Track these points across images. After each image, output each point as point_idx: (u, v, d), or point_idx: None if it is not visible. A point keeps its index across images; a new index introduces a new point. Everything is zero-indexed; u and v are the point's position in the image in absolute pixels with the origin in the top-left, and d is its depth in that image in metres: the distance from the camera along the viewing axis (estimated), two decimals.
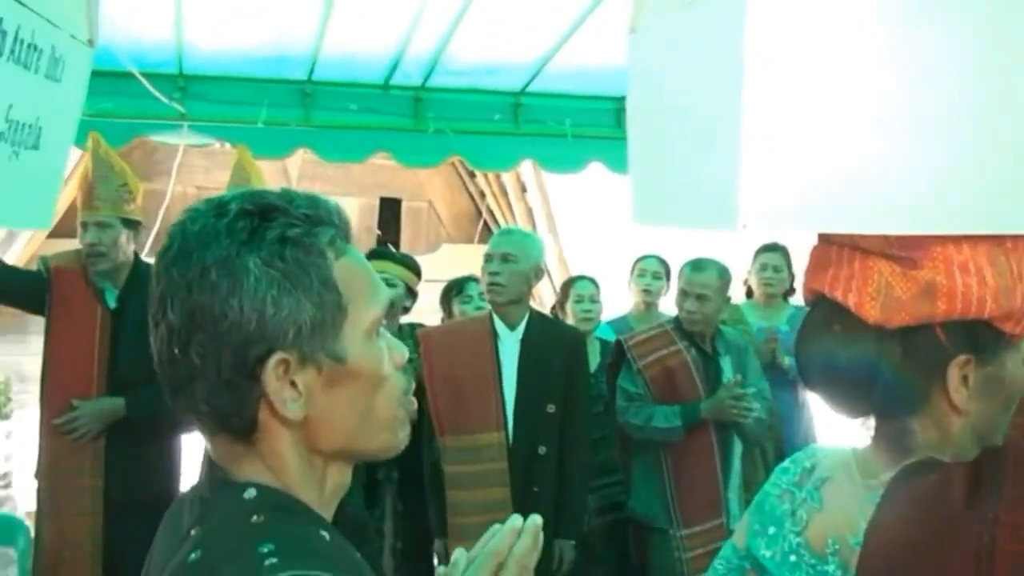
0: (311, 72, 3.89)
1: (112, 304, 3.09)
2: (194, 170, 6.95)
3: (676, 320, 3.37)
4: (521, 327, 3.06)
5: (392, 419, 0.89)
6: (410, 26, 3.52)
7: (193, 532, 0.81)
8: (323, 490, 0.87)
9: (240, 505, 0.81)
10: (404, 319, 3.58)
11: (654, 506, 3.25)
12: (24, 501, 5.30)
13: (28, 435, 3.96)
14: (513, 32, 3.64)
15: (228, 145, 3.99)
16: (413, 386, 0.93)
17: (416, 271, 3.58)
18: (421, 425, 2.96)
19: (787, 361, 3.80)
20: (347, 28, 3.52)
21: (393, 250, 4.21)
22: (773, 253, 4.16)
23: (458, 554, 1.01)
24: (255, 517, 0.80)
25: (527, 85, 4.12)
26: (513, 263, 3.03)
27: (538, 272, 3.13)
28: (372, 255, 3.92)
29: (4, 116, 1.01)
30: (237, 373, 0.81)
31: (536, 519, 0.99)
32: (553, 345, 3.06)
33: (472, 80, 4.04)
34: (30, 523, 3.42)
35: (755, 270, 4.19)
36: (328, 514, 0.87)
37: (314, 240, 0.82)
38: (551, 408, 2.99)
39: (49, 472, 3.07)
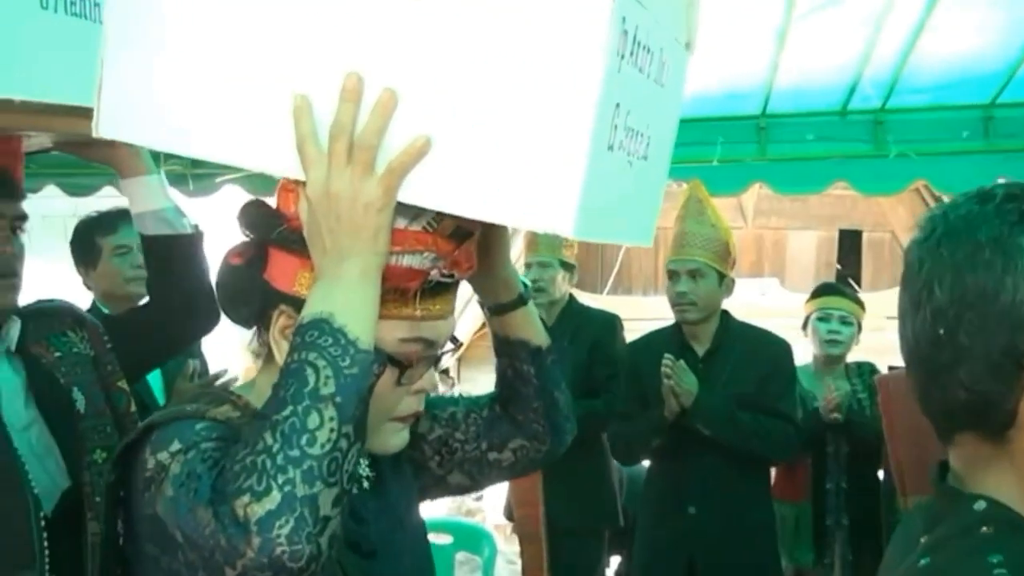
0: (765, 105, 3.88)
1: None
2: None
3: None
4: None
5: None
6: (866, 47, 3.38)
7: (923, 540, 0.84)
8: None
9: (970, 516, 0.83)
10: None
11: None
12: (493, 515, 5.81)
13: None
14: (979, 37, 3.32)
15: (684, 184, 4.10)
16: None
17: (863, 309, 3.44)
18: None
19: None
20: (801, 56, 3.46)
21: (843, 286, 4.04)
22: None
23: None
24: (984, 528, 0.81)
25: (998, 95, 3.72)
26: None
27: None
28: (820, 291, 3.80)
29: (623, 123, 1.00)
30: (1007, 356, 0.80)
31: None
32: None
33: (934, 96, 3.75)
34: (498, 535, 3.77)
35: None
36: None
37: None
38: None
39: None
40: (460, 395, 1.43)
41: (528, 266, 3.64)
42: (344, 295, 0.96)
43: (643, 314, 4.08)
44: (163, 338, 1.85)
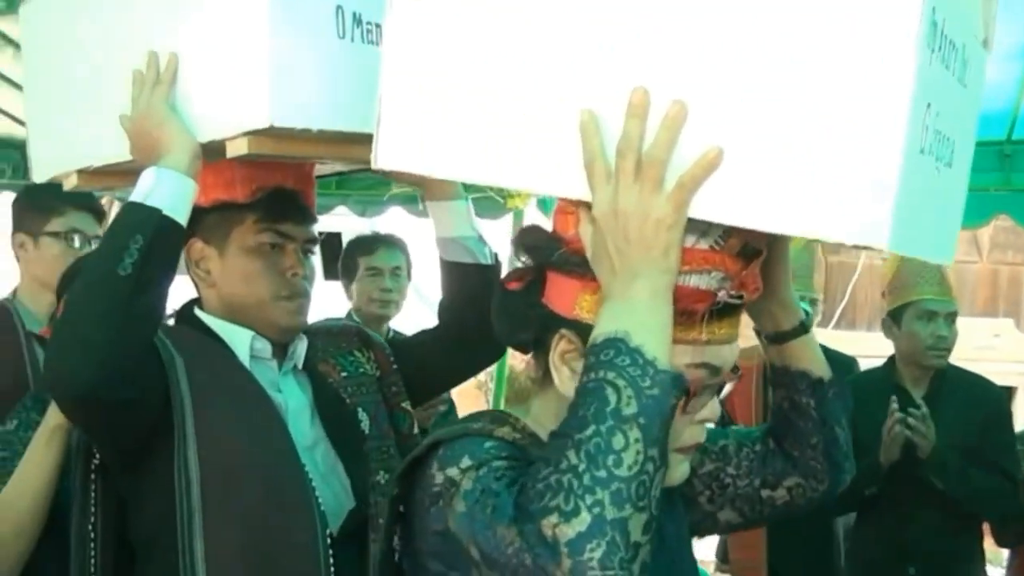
0: (1011, 130, 3.60)
1: None
2: None
3: None
4: None
5: None
6: None
7: None
8: None
9: None
10: None
11: None
12: (702, 549, 5.57)
13: None
14: None
15: None
16: None
17: None
18: None
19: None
20: None
21: None
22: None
23: None
24: None
25: None
26: None
27: None
28: None
29: (932, 124, 0.94)
30: None
31: None
32: None
33: None
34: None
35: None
36: None
37: None
38: None
39: None
40: (730, 427, 1.36)
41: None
42: (637, 315, 0.92)
43: (867, 351, 3.83)
44: (450, 365, 1.85)
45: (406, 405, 1.78)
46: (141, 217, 1.34)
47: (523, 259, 1.11)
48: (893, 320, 2.96)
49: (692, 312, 0.99)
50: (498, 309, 1.13)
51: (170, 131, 1.40)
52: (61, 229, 2.38)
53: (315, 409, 1.65)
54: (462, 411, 2.97)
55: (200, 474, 1.42)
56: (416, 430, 1.79)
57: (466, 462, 0.98)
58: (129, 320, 1.32)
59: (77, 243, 2.38)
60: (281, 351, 1.63)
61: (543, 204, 3.86)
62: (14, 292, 2.48)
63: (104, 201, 2.64)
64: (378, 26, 1.43)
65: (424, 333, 1.89)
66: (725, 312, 1.03)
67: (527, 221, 4.13)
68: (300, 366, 1.67)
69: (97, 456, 1.55)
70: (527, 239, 1.09)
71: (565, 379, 1.04)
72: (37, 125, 1.70)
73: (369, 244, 3.23)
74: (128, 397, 1.37)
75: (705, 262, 0.98)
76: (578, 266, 1.02)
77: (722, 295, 1.00)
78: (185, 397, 1.44)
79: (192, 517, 1.42)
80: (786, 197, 0.91)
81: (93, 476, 1.56)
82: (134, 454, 1.48)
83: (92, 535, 1.55)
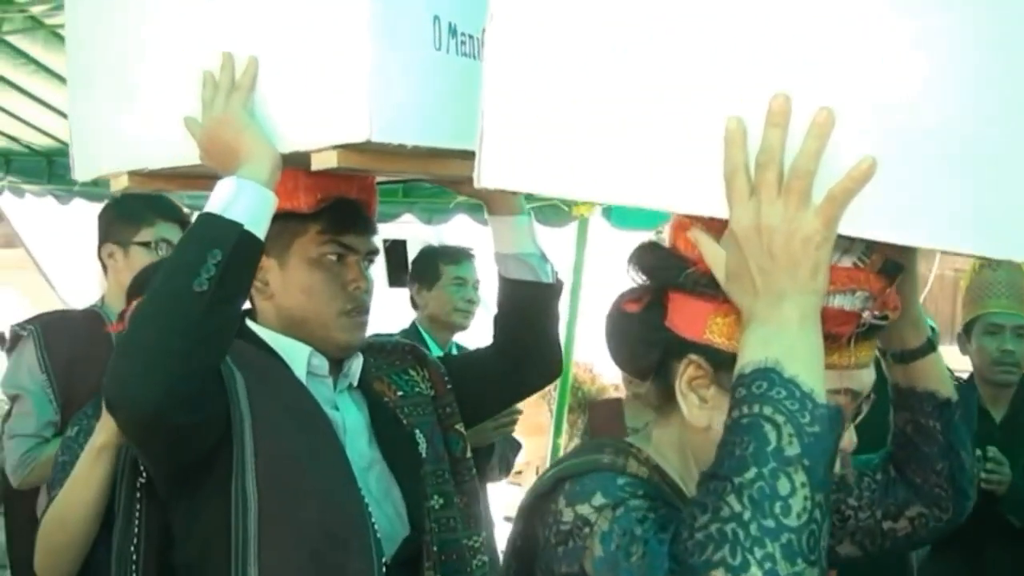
0: None
1: None
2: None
3: None
4: None
5: None
6: None
7: None
8: None
9: None
10: None
11: None
12: None
13: None
14: None
15: None
16: None
17: None
18: None
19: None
20: None
21: None
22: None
23: None
24: None
25: None
26: None
27: None
28: None
29: None
30: None
31: None
32: None
33: None
34: None
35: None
36: None
37: None
38: None
39: None
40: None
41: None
42: (787, 341, 0.86)
43: None
44: (505, 385, 1.79)
45: (460, 427, 1.72)
46: (220, 231, 1.26)
47: (639, 279, 1.05)
48: (966, 335, 2.87)
49: (837, 336, 0.93)
50: (615, 333, 1.07)
51: (250, 139, 1.32)
52: (150, 239, 2.43)
53: (372, 429, 1.59)
54: (525, 420, 2.94)
55: (258, 498, 1.36)
56: (469, 453, 1.73)
57: (599, 500, 0.93)
58: (201, 340, 1.24)
59: (165, 253, 2.42)
60: (336, 367, 1.57)
61: (609, 213, 3.80)
62: (102, 299, 2.56)
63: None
64: (472, 37, 1.37)
65: (478, 352, 1.83)
66: (867, 334, 0.97)
67: (592, 230, 4.07)
68: (355, 384, 1.61)
69: (143, 476, 1.49)
70: (646, 259, 1.04)
71: (693, 408, 0.99)
72: (82, 121, 1.62)
73: (455, 254, 3.28)
74: (193, 421, 1.30)
75: (850, 281, 0.93)
76: (707, 287, 0.96)
77: (867, 316, 0.94)
78: (245, 418, 1.38)
79: (247, 542, 1.35)
80: (945, 209, 0.86)
81: (138, 495, 1.50)
82: (188, 476, 1.41)
83: (134, 556, 1.50)
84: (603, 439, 1.10)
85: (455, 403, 1.72)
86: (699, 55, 0.93)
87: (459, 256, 3.26)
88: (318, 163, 1.33)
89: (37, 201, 6.67)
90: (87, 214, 4.84)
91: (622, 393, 4.77)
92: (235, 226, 1.27)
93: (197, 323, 1.23)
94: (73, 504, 1.72)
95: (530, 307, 1.69)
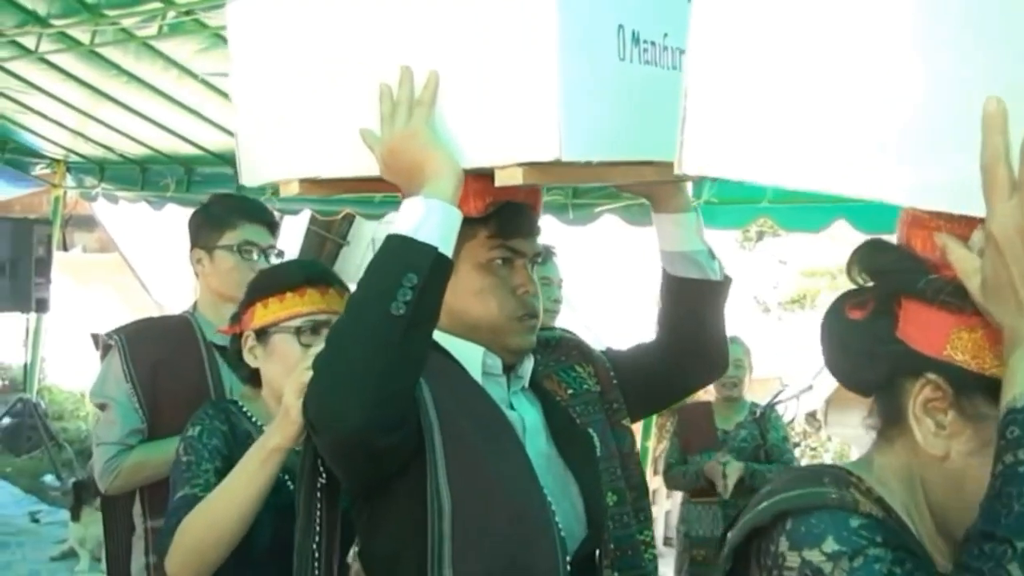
0: None
1: None
2: None
3: None
4: None
5: None
6: None
7: None
8: None
9: None
10: None
11: None
12: None
13: None
14: None
15: None
16: None
17: None
18: None
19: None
20: None
21: None
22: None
23: None
24: None
25: None
26: None
27: None
28: None
29: None
30: None
31: None
32: None
33: None
34: None
35: None
36: None
37: None
38: None
39: None
40: None
41: None
42: None
43: None
44: (674, 381, 1.78)
45: (626, 422, 1.72)
46: (415, 255, 1.27)
47: (865, 282, 0.97)
48: None
49: None
50: (834, 341, 0.99)
51: (436, 156, 1.31)
52: (234, 242, 2.45)
53: (547, 428, 1.59)
54: None
55: (451, 502, 1.37)
56: (637, 447, 1.72)
57: (831, 547, 0.85)
58: (401, 362, 1.26)
59: (253, 255, 2.44)
60: (508, 367, 1.58)
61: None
62: (194, 305, 2.59)
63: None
64: (654, 44, 1.34)
65: (641, 347, 1.81)
66: None
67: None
68: (527, 384, 1.61)
69: (323, 476, 1.52)
70: (877, 260, 0.95)
71: (928, 434, 0.90)
72: (250, 128, 1.65)
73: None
74: (394, 443, 1.32)
75: None
76: (952, 296, 0.87)
77: None
78: (434, 424, 1.39)
79: (443, 544, 1.36)
80: None
81: (319, 494, 1.53)
82: (381, 484, 1.43)
83: (316, 553, 1.53)
84: (817, 466, 1.03)
85: (621, 399, 1.71)
86: (914, 37, 0.87)
87: (543, 256, 3.26)
88: (502, 179, 1.31)
89: (131, 207, 6.80)
90: (179, 219, 4.90)
91: (712, 396, 4.70)
92: (429, 249, 1.27)
93: (397, 346, 1.24)
94: (231, 502, 1.71)
95: (698, 305, 1.67)
